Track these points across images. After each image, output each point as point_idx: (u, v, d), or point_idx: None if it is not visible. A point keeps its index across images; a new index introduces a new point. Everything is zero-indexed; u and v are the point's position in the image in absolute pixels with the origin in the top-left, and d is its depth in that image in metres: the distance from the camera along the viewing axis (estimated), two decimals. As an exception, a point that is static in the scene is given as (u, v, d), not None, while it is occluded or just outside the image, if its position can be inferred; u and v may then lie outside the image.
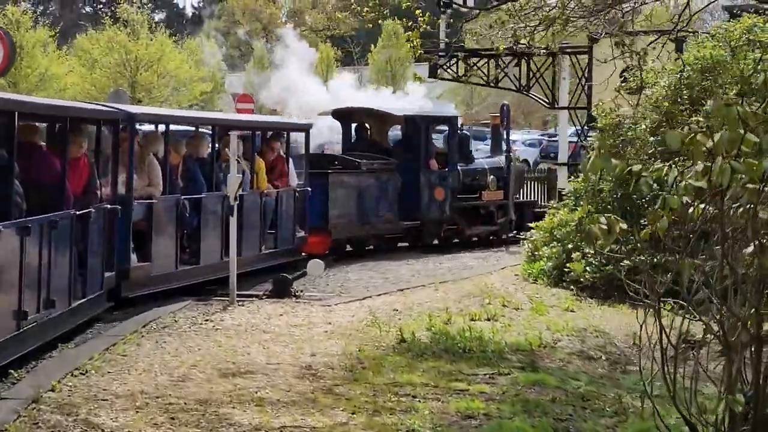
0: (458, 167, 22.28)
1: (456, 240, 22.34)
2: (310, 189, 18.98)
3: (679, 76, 17.57)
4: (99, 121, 13.36)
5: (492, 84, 25.14)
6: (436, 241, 22.01)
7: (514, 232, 22.48)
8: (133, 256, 14.15)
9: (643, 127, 16.73)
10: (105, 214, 13.04)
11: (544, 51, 22.99)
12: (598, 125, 17.06)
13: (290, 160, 19.00)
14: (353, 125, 22.78)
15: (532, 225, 18.02)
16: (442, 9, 24.77)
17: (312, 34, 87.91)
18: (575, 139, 49.49)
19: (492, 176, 22.75)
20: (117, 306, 13.63)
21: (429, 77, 26.29)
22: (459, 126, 23.64)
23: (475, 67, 25.07)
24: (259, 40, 79.01)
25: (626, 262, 15.15)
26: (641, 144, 17.41)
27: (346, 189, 20.38)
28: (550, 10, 14.22)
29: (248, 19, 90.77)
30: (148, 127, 15.83)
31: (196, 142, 16.45)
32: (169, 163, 15.11)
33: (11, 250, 9.96)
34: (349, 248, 20.67)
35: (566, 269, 16.18)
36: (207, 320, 12.61)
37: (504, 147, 23.21)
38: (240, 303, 13.83)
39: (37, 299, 10.69)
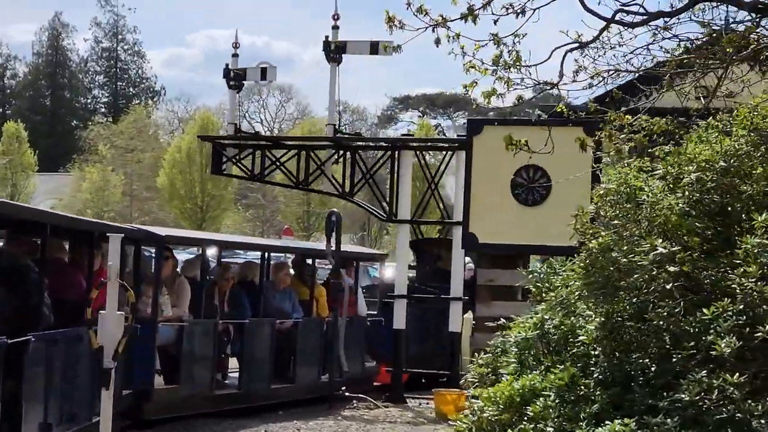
0: None
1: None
2: (383, 318, 19.88)
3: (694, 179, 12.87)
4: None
5: (301, 186, 19.73)
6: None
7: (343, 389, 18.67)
8: (160, 378, 15.20)
9: (661, 249, 12.04)
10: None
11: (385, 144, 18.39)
12: (591, 245, 12.17)
13: (359, 289, 19.96)
14: (426, 255, 22.11)
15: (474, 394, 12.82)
16: (231, 83, 19.39)
17: None
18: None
19: None
20: (139, 427, 14.62)
21: (212, 173, 20.81)
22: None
23: (278, 162, 19.60)
24: None
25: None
26: (649, 277, 12.45)
27: (422, 319, 20.09)
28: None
29: None
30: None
31: (246, 268, 18.38)
32: (216, 288, 16.70)
33: (39, 361, 10.81)
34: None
35: (562, 469, 10.90)
36: None
37: None
38: None
39: (60, 412, 11.51)
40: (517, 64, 8.54)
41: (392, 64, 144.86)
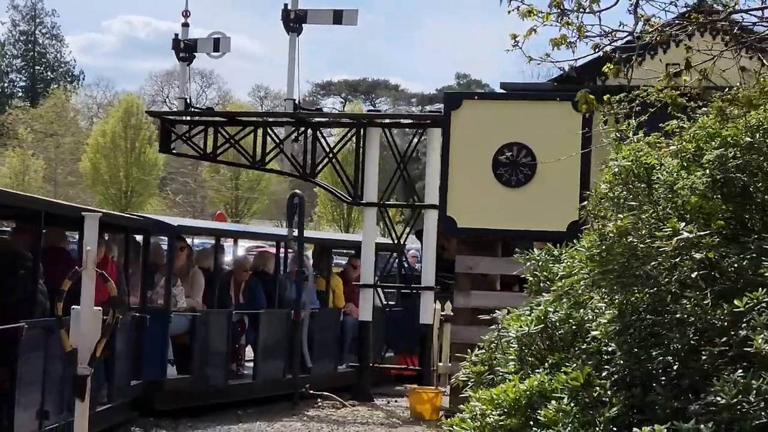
0: None
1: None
2: (401, 309, 19.50)
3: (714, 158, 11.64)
4: (127, 229, 14.62)
5: (258, 165, 18.33)
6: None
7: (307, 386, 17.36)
8: (173, 368, 15.30)
9: (686, 234, 10.81)
10: (130, 322, 14.04)
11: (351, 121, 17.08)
12: (607, 229, 10.93)
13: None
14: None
15: (471, 395, 11.53)
16: (182, 56, 18.02)
17: None
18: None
19: None
20: (150, 416, 14.70)
21: (160, 151, 19.35)
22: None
23: (232, 140, 18.22)
24: None
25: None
26: (671, 265, 11.16)
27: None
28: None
29: None
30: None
31: (262, 259, 18.30)
32: (233, 278, 17.09)
33: (34, 348, 10.97)
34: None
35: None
36: None
37: None
38: None
39: (59, 400, 11.48)
40: (593, 7, 7.28)
41: (312, 52, 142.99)
